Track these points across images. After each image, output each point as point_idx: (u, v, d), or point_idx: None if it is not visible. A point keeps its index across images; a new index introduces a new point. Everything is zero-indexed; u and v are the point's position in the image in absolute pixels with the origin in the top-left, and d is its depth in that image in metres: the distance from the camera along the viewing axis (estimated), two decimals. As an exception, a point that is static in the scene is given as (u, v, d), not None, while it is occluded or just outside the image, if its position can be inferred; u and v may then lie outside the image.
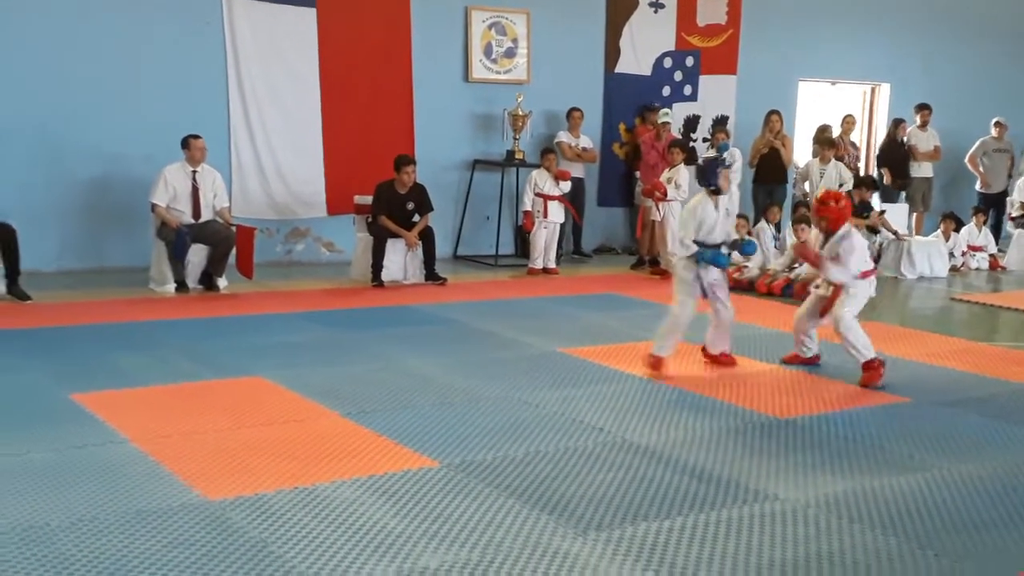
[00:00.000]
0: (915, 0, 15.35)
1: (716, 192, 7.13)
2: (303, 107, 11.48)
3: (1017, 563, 4.16)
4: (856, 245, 7.07)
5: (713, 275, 7.14)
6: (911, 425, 6.04)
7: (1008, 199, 13.74)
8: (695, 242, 7.09)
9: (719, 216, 7.14)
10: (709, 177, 7.15)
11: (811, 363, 7.43)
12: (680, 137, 13.34)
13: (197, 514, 4.33)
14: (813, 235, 7.68)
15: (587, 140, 12.74)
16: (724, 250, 7.23)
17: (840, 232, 7.03)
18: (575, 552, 4.09)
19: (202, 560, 3.90)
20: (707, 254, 7.03)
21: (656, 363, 7.01)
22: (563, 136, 12.56)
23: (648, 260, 12.07)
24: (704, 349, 7.45)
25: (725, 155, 11.85)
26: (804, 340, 7.43)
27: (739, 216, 11.51)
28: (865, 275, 7.15)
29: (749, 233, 11.29)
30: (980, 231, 13.25)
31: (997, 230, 14.05)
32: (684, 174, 11.51)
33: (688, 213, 7.22)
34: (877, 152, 14.70)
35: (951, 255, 12.75)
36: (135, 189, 10.24)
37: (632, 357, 7.37)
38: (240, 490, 4.62)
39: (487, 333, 8.28)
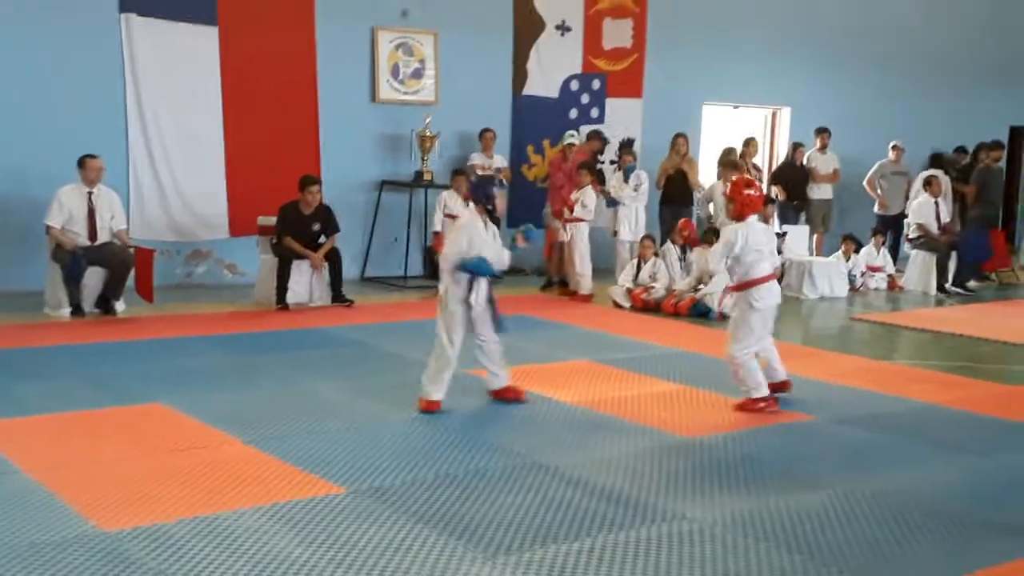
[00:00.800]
0: (817, 27, 15.74)
1: (491, 212, 6.59)
2: (205, 126, 11.28)
3: (986, 556, 4.23)
4: (728, 238, 6.65)
5: (479, 307, 6.54)
6: (814, 443, 6.13)
7: (905, 220, 14.13)
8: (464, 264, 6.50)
9: (488, 237, 6.56)
10: (481, 196, 6.61)
11: (781, 389, 7.02)
12: (586, 159, 13.44)
13: (92, 546, 4.18)
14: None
15: (500, 160, 12.75)
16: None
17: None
18: (484, 577, 4.04)
19: (97, 595, 3.76)
20: (471, 263, 6.43)
21: (430, 406, 6.44)
22: (476, 157, 12.56)
23: (557, 281, 12.11)
24: (490, 390, 6.82)
25: (631, 176, 12.09)
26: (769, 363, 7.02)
27: (645, 237, 11.65)
28: (749, 284, 6.70)
29: (656, 254, 11.38)
30: (879, 252, 13.59)
31: (896, 251, 14.42)
32: (591, 195, 11.60)
33: (456, 232, 6.68)
34: (773, 171, 15.01)
35: (851, 276, 13.05)
36: (30, 210, 9.92)
37: (542, 378, 7.36)
38: (138, 520, 4.48)
39: (395, 356, 8.20)
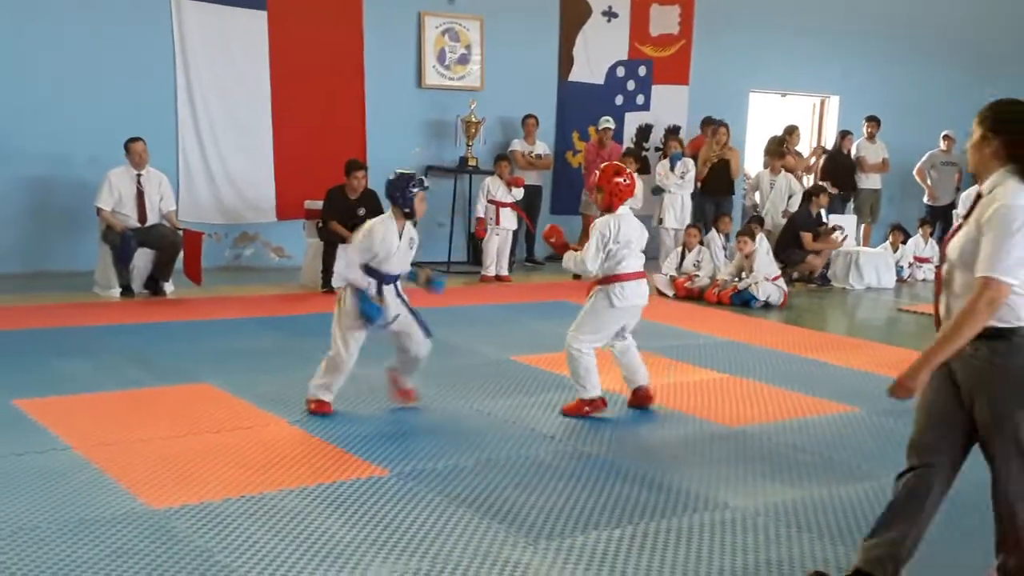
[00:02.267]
0: (866, 14, 15.54)
1: (409, 216, 6.11)
2: (253, 111, 11.38)
3: (962, 570, 4.20)
4: (600, 230, 6.02)
5: (393, 316, 6.06)
6: (859, 435, 6.09)
7: (954, 212, 13.93)
8: (367, 270, 5.95)
9: (401, 244, 6.07)
10: (397, 196, 6.06)
11: (643, 400, 6.42)
12: (632, 146, 13.42)
13: (141, 523, 4.25)
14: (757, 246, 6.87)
15: (542, 147, 12.74)
16: (399, 284, 6.18)
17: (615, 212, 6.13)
18: (525, 561, 4.07)
19: (146, 570, 3.83)
20: (362, 305, 5.88)
21: (320, 406, 5.98)
22: (517, 144, 12.55)
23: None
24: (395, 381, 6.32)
25: (677, 164, 12.02)
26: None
27: (691, 226, 11.60)
28: (611, 280, 6.10)
29: (701, 242, 11.32)
30: (927, 243, 13.43)
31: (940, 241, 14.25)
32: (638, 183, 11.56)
33: (363, 233, 6.00)
34: (823, 162, 14.86)
35: (898, 266, 12.91)
36: (81, 192, 10.08)
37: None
38: (185, 498, 4.55)
39: (439, 341, 8.18)
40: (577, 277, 7.32)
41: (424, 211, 6.16)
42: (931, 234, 13.57)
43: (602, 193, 6.15)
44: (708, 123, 13.26)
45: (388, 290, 6.04)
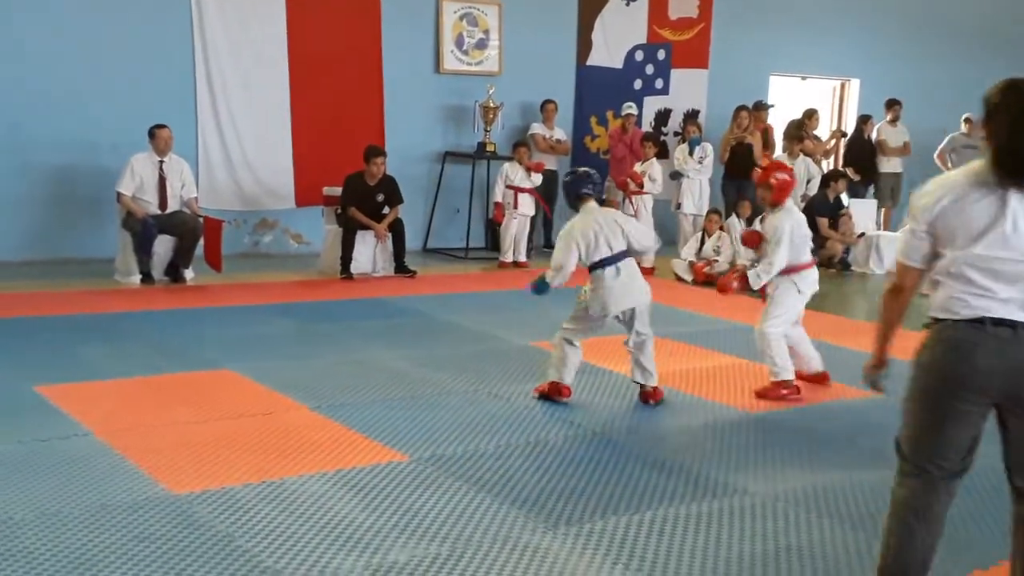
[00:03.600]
0: (885, -3, 15.44)
1: (602, 203, 6.45)
2: (272, 97, 11.38)
3: (984, 557, 4.18)
4: (783, 228, 6.33)
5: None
6: (881, 420, 6.03)
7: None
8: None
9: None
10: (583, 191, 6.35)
11: (819, 381, 6.78)
12: (651, 130, 13.36)
13: (162, 508, 4.28)
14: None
15: (561, 132, 12.71)
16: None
17: (778, 210, 6.44)
18: (545, 546, 4.07)
19: (168, 554, 3.85)
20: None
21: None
22: (537, 128, 12.53)
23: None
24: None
25: (696, 149, 11.99)
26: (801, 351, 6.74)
27: (712, 211, 11.55)
28: (795, 270, 6.45)
29: (721, 228, 11.26)
30: None
31: None
32: (657, 168, 11.55)
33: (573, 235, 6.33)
34: (844, 150, 14.76)
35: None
36: (102, 179, 10.12)
37: (603, 351, 7.35)
38: (206, 484, 4.57)
39: (457, 326, 8.25)
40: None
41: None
42: None
43: (769, 190, 6.43)
44: (758, 108, 13.14)
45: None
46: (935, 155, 14.69)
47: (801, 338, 6.73)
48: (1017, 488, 3.42)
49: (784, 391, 6.39)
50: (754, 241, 6.63)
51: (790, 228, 6.35)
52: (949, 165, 14.62)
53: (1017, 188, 3.18)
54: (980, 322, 3.31)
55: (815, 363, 6.78)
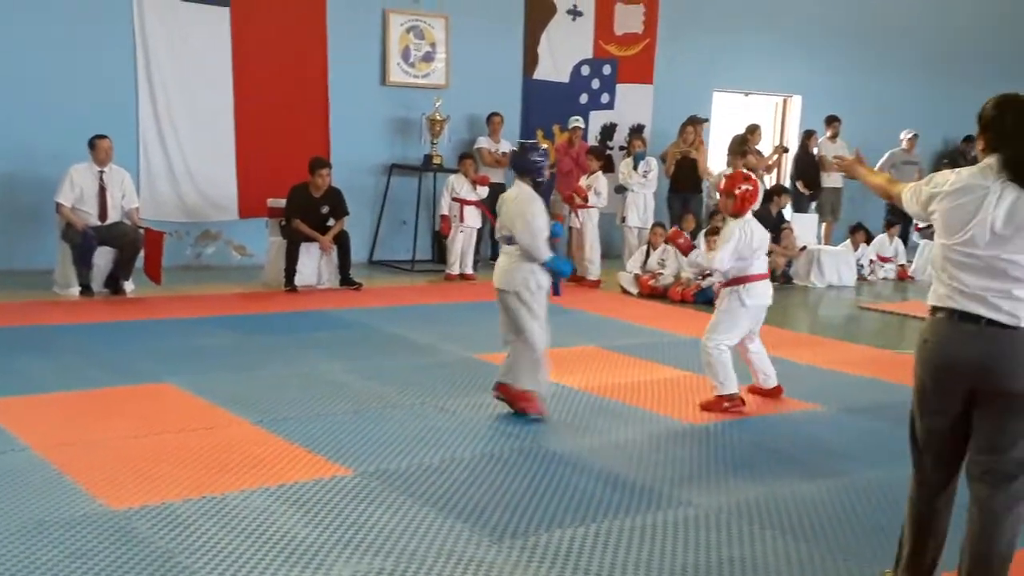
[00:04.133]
0: (827, 15, 15.67)
1: (538, 187, 6.13)
2: (216, 108, 11.28)
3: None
4: (734, 231, 6.38)
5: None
6: (821, 432, 6.13)
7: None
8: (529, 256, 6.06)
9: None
10: (524, 166, 6.12)
11: (772, 395, 6.82)
12: (596, 144, 13.42)
13: (100, 524, 4.21)
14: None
15: (507, 145, 12.73)
16: None
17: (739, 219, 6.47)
18: (490, 560, 4.06)
19: (106, 572, 3.79)
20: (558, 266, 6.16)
21: (531, 401, 6.07)
22: (483, 141, 12.54)
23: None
24: (502, 386, 6.19)
25: (640, 163, 12.07)
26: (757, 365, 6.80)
27: (656, 224, 11.63)
28: (743, 280, 6.45)
29: (665, 241, 11.33)
30: (891, 242, 13.57)
31: (905, 240, 14.38)
32: (603, 181, 11.62)
33: (534, 215, 5.99)
34: (791, 164, 14.94)
35: (859, 264, 13.04)
36: (41, 189, 9.94)
37: (554, 363, 7.35)
38: (146, 499, 4.50)
39: (403, 339, 8.21)
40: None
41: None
42: (896, 234, 13.69)
43: (732, 199, 6.44)
44: (693, 122, 13.26)
45: None
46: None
47: (759, 353, 6.77)
48: (972, 474, 3.66)
49: (727, 404, 6.43)
50: (684, 244, 6.71)
51: (741, 234, 6.37)
52: None
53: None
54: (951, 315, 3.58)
55: (771, 379, 6.82)
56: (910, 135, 14.85)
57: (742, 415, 6.41)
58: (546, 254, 5.98)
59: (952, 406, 3.64)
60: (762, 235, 6.56)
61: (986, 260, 3.48)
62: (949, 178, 3.62)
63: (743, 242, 6.38)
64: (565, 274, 6.23)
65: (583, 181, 11.60)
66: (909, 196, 3.81)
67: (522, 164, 6.12)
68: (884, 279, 13.28)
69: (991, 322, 3.48)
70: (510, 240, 6.02)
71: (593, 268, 11.52)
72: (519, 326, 6.05)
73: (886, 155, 14.86)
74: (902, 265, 13.51)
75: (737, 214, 6.47)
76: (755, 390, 6.82)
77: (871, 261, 13.29)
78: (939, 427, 3.72)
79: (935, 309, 3.66)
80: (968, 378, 3.56)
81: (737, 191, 6.43)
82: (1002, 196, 3.45)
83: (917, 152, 14.94)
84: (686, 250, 6.51)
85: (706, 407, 6.45)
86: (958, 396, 3.61)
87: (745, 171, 6.94)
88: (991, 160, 3.53)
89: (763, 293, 6.56)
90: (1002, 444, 3.54)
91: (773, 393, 6.83)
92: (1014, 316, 3.47)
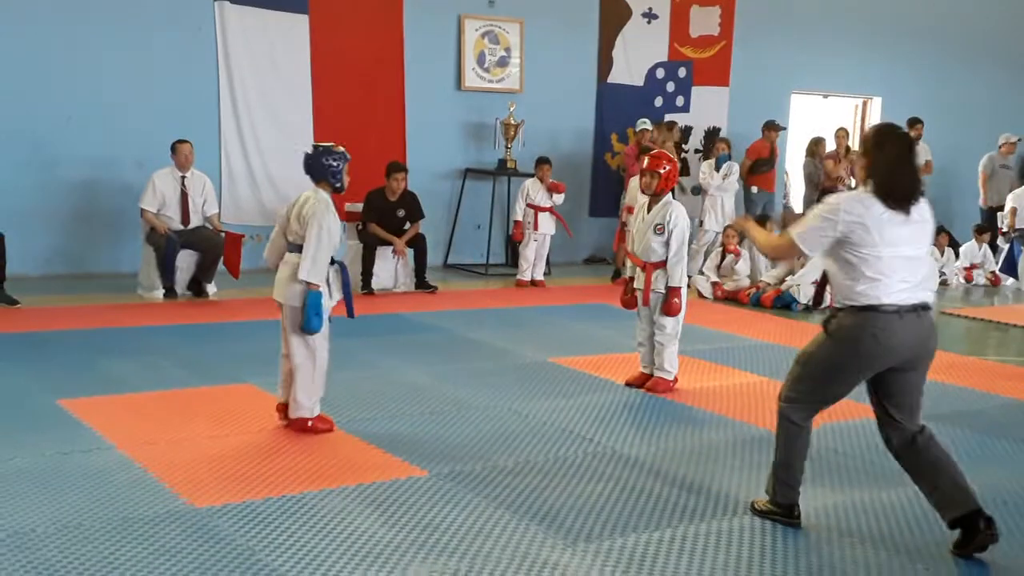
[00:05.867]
0: (908, 15, 15.40)
1: (339, 191, 5.77)
2: (294, 113, 11.45)
3: (1007, 578, 4.16)
4: (682, 217, 6.71)
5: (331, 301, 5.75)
6: (901, 438, 6.02)
7: (999, 213, 13.78)
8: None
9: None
10: (320, 171, 5.71)
11: (642, 383, 6.93)
12: (648, 146, 13.15)
13: (184, 522, 4.30)
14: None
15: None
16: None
17: (663, 199, 6.72)
18: (564, 563, 4.07)
19: (189, 568, 3.86)
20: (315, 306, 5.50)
21: (321, 424, 5.67)
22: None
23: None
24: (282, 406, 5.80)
25: (723, 166, 11.95)
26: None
27: (729, 228, 11.52)
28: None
29: (734, 247, 11.22)
30: (980, 248, 13.25)
31: (993, 246, 14.02)
32: None
33: (326, 225, 5.56)
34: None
35: (940, 271, 12.76)
36: (125, 194, 10.21)
37: (622, 367, 7.35)
38: (227, 498, 4.59)
39: (477, 342, 8.26)
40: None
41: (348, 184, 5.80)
42: (987, 240, 13.35)
43: (656, 178, 6.69)
44: (769, 127, 13.12)
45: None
46: (980, 174, 14.50)
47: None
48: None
49: (673, 384, 6.86)
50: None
51: (684, 220, 6.73)
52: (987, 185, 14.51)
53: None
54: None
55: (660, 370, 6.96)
56: (1014, 139, 14.43)
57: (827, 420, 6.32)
58: (315, 275, 5.47)
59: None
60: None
61: None
62: None
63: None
64: (313, 327, 5.50)
65: (635, 183, 11.48)
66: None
67: (316, 168, 5.69)
68: (974, 285, 12.99)
69: None
70: (298, 248, 5.58)
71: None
72: (294, 343, 5.61)
73: (985, 158, 14.48)
74: (993, 272, 13.15)
75: (660, 192, 6.70)
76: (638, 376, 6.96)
77: (966, 268, 13.00)
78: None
79: None
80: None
81: (662, 170, 6.66)
82: None
83: (1012, 158, 14.54)
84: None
85: (652, 388, 6.82)
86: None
87: (668, 152, 7.12)
88: None
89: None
90: None
91: (645, 381, 6.92)
92: None
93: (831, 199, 4.27)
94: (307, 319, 5.47)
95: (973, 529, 4.26)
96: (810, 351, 4.43)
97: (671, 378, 6.87)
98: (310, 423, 5.63)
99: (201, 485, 4.74)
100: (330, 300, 5.69)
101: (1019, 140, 14.46)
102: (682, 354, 7.66)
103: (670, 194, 6.81)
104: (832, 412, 6.49)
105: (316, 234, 5.49)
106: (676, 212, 6.67)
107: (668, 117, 13.74)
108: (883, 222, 4.16)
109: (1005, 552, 4.38)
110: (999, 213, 13.83)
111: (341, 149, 5.75)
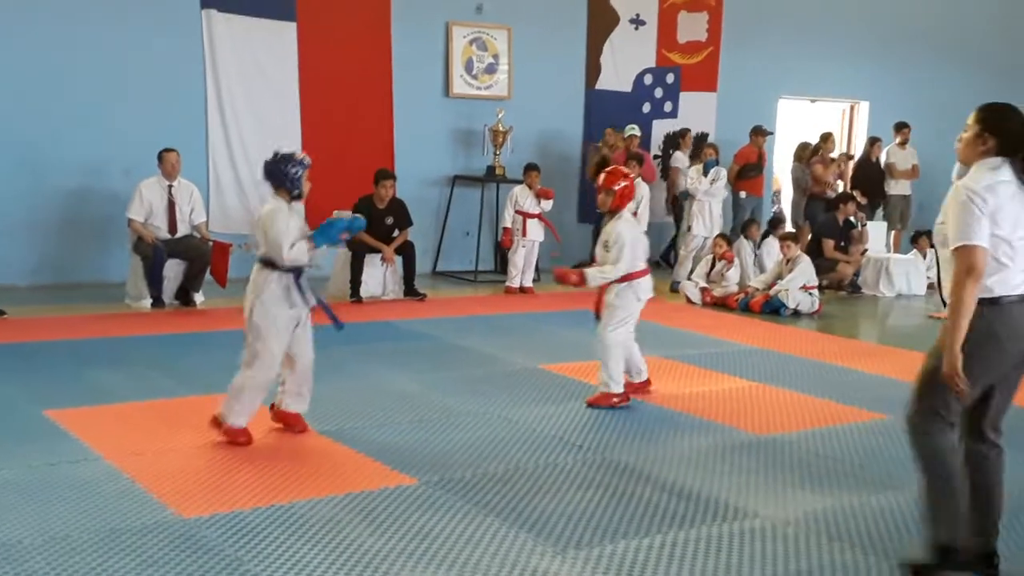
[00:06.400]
0: (895, 19, 15.45)
1: (298, 197, 5.70)
2: (282, 121, 11.44)
3: None
4: (625, 235, 6.47)
5: (306, 307, 5.73)
6: (889, 443, 6.03)
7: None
8: (273, 265, 5.64)
9: (299, 223, 5.72)
10: (284, 177, 5.64)
11: (642, 389, 6.91)
12: (636, 151, 13.10)
13: (172, 532, 4.28)
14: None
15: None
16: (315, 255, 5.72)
17: (618, 217, 6.57)
18: (554, 571, 4.06)
19: (176, 579, 3.85)
20: (338, 225, 5.70)
21: (236, 435, 5.54)
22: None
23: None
24: (274, 408, 5.83)
25: (711, 171, 11.97)
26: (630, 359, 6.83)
27: (719, 236, 11.54)
28: (630, 277, 6.53)
29: (728, 252, 11.24)
30: None
31: None
32: (644, 188, 11.50)
33: (278, 222, 5.58)
34: (851, 174, 14.74)
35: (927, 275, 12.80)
36: (113, 204, 10.17)
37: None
38: (215, 508, 4.57)
39: (466, 349, 8.25)
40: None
41: (308, 190, 5.77)
42: None
43: (611, 195, 6.54)
44: (757, 132, 13.15)
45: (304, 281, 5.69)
46: (954, 180, 14.60)
47: (633, 346, 6.79)
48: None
49: (615, 399, 6.53)
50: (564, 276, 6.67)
51: (631, 236, 6.51)
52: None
53: None
54: None
55: (643, 373, 6.91)
56: None
57: (802, 427, 6.33)
58: (296, 257, 5.55)
59: None
60: (641, 232, 6.77)
61: None
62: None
63: (636, 241, 6.53)
64: (328, 234, 5.66)
65: None
66: None
67: (275, 175, 5.65)
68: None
69: None
70: (266, 260, 5.64)
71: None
72: (252, 349, 5.58)
73: (957, 164, 14.56)
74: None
75: (615, 210, 6.57)
76: (627, 384, 6.75)
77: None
78: None
79: None
80: None
81: (616, 187, 6.52)
82: None
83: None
84: (581, 283, 6.47)
85: (594, 402, 6.54)
86: None
87: (623, 169, 6.94)
88: None
89: (649, 288, 6.72)
90: None
91: (642, 387, 6.89)
92: None
93: (960, 187, 3.93)
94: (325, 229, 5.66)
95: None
96: None
97: (613, 392, 6.54)
98: (222, 428, 5.53)
99: (189, 495, 4.72)
100: (304, 305, 5.66)
101: None
102: (671, 359, 7.67)
103: (626, 209, 6.65)
104: (816, 417, 6.52)
105: (276, 234, 5.54)
106: (618, 228, 6.49)
107: (656, 123, 13.78)
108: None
109: (1003, 561, 4.38)
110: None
111: (301, 156, 5.70)
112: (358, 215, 6.22)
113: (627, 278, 6.53)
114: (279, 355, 5.62)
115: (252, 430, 5.75)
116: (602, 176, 6.68)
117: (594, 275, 6.49)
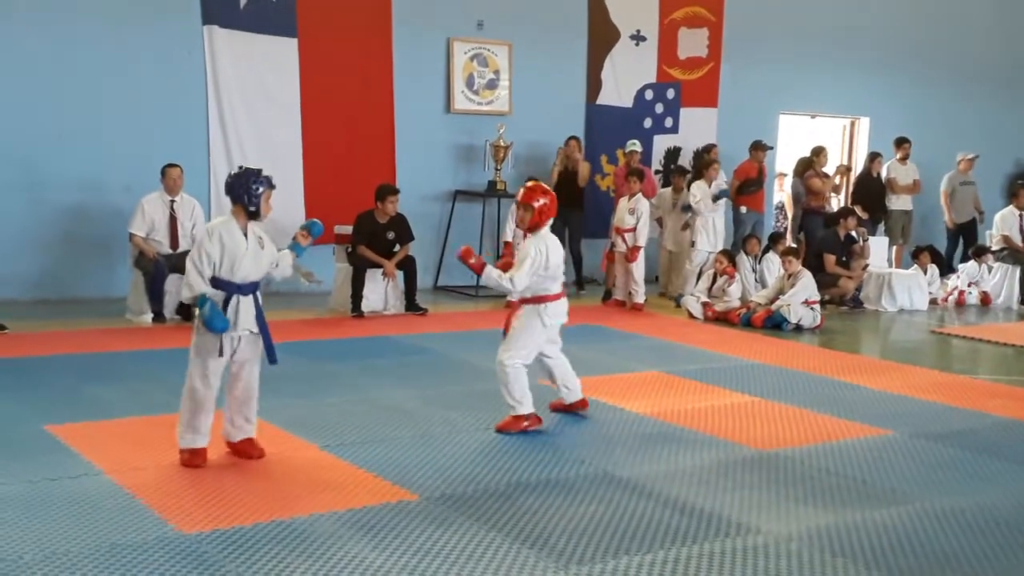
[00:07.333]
0: (895, 36, 15.49)
1: (254, 215, 5.53)
2: (284, 137, 11.46)
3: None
4: (530, 251, 6.14)
5: (246, 348, 5.51)
6: (893, 458, 6.02)
7: (989, 233, 13.83)
8: (215, 281, 5.37)
9: (250, 246, 5.50)
10: (241, 193, 5.46)
11: (575, 409, 6.69)
12: (637, 167, 13.06)
13: (172, 548, 4.26)
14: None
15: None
16: (258, 296, 5.58)
17: (535, 234, 6.27)
18: (556, 587, 4.04)
19: (176, 595, 3.83)
20: (204, 312, 5.26)
21: (192, 458, 5.40)
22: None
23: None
24: (228, 442, 5.62)
25: (718, 198, 11.97)
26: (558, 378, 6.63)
27: (721, 252, 11.53)
28: (542, 299, 6.29)
29: (730, 268, 11.22)
30: (980, 268, 13.20)
31: (965, 258, 14.02)
32: (645, 204, 11.51)
33: (201, 242, 5.43)
34: (852, 188, 14.76)
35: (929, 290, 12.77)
36: (114, 219, 10.18)
37: (614, 389, 7.34)
38: (216, 523, 4.55)
39: (468, 364, 8.23)
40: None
41: (270, 211, 5.62)
42: (984, 261, 13.30)
43: (530, 212, 6.25)
44: (757, 147, 13.15)
45: (245, 303, 5.48)
46: (941, 200, 14.65)
47: (561, 363, 6.58)
48: None
49: (525, 423, 6.24)
50: (475, 265, 6.27)
51: (539, 253, 6.16)
52: (950, 203, 14.63)
53: None
54: None
55: (574, 392, 6.65)
56: (969, 156, 14.60)
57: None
58: (184, 293, 5.44)
59: None
60: (559, 253, 6.33)
61: None
62: None
63: (538, 261, 6.15)
64: (216, 327, 5.30)
65: (624, 203, 11.51)
66: None
67: (234, 189, 5.50)
68: (966, 304, 12.93)
69: None
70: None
71: (639, 291, 11.42)
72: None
73: (944, 178, 14.61)
74: (984, 291, 13.11)
75: (534, 228, 6.27)
76: (557, 406, 6.67)
77: (961, 292, 12.91)
78: None
79: None
80: None
81: (536, 204, 6.23)
82: None
83: (973, 174, 14.66)
84: (478, 270, 6.19)
85: (504, 427, 6.23)
86: None
87: (544, 185, 6.55)
88: None
89: (561, 312, 6.42)
90: None
91: (577, 406, 6.66)
92: None
93: None
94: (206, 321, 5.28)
95: None
96: None
97: (522, 414, 6.23)
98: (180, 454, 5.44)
99: (190, 511, 4.70)
100: (234, 330, 5.43)
101: (976, 157, 14.56)
102: (673, 374, 7.65)
103: (546, 227, 6.32)
104: (819, 432, 6.51)
105: (190, 257, 5.43)
106: (528, 245, 6.22)
107: (657, 138, 13.80)
108: None
109: (998, 573, 4.36)
110: (989, 232, 13.87)
111: (267, 174, 5.56)
112: (315, 219, 6.05)
113: (536, 299, 6.29)
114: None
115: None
116: (521, 191, 6.36)
117: (490, 274, 6.19)
